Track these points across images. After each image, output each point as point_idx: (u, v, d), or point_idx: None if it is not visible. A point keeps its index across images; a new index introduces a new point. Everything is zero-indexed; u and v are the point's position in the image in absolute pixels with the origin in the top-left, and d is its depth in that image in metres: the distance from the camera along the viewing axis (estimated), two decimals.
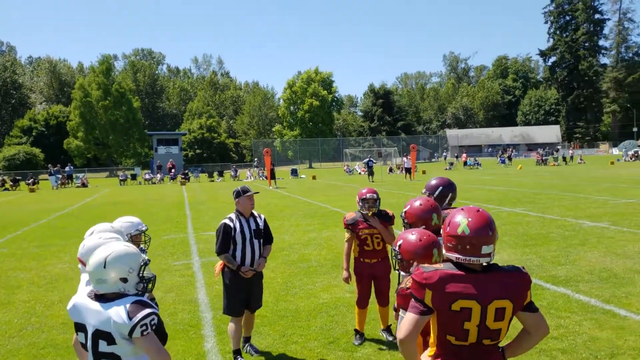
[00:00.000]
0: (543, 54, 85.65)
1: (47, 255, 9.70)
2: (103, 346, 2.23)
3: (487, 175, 31.05)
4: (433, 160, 71.47)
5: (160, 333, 2.30)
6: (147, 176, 38.61)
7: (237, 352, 4.52)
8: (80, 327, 2.32)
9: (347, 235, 4.79)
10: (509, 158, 45.97)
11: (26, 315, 6.07)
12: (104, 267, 2.24)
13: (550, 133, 77.02)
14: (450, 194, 3.78)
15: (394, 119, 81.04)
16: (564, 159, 44.69)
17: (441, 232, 2.27)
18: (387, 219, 4.70)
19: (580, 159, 45.50)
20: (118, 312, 2.17)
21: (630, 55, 78.44)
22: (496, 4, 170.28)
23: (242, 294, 4.45)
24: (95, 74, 59.29)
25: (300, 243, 9.85)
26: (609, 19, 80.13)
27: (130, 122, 59.41)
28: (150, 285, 2.36)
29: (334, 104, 71.72)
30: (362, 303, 4.76)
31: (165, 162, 44.08)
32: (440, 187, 3.78)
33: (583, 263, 7.28)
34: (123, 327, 2.16)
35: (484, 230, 2.09)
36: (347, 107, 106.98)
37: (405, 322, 2.10)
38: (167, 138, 56.25)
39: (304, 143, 65.65)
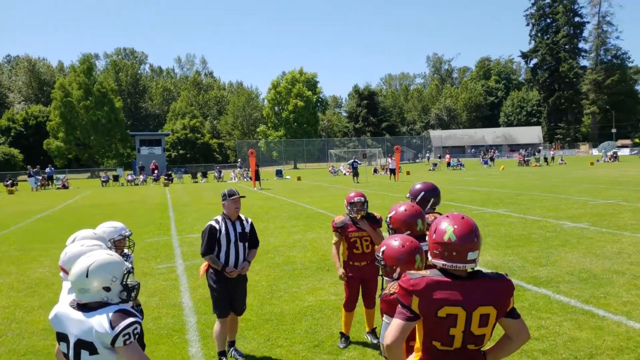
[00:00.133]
0: (525, 56, 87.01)
1: (27, 260, 9.53)
2: (85, 356, 2.20)
3: (470, 176, 31.39)
4: (417, 161, 71.99)
5: (139, 342, 2.28)
6: (129, 177, 38.18)
7: (222, 354, 4.54)
8: (62, 337, 2.29)
9: (335, 238, 4.82)
10: (491, 159, 46.52)
11: (6, 322, 5.96)
12: (87, 276, 2.22)
13: (532, 134, 78.21)
14: (433, 199, 3.82)
15: (379, 119, 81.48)
16: (546, 159, 45.41)
17: (426, 238, 2.30)
18: (375, 222, 4.75)
19: (562, 160, 46.30)
20: (100, 322, 2.15)
21: (609, 57, 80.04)
22: (479, 6, 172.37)
23: (226, 295, 4.49)
24: (76, 73, 58.46)
25: (285, 245, 9.84)
26: (588, 22, 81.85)
27: (112, 122, 58.69)
28: (134, 294, 2.34)
29: (318, 104, 71.85)
30: (349, 306, 4.79)
31: (148, 163, 43.63)
32: (423, 192, 3.82)
33: (564, 264, 7.41)
34: (105, 336, 2.14)
35: (470, 236, 2.13)
36: (331, 107, 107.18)
37: (392, 328, 2.12)
38: (150, 138, 55.67)
39: (288, 144, 65.59)
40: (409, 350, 2.43)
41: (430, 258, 2.22)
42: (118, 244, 3.74)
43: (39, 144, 58.96)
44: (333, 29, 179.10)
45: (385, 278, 2.71)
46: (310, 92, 67.26)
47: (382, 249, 2.68)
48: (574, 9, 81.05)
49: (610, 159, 46.47)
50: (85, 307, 2.23)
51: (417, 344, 2.26)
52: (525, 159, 44.69)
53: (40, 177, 35.44)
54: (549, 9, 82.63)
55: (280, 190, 25.51)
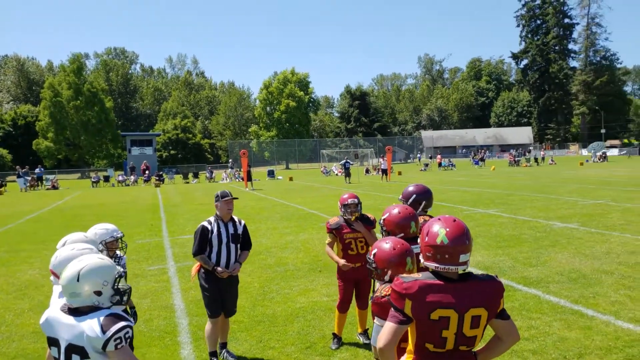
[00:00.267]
0: (515, 57, 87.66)
1: (16, 261, 9.45)
2: None
3: (461, 176, 31.55)
4: (409, 161, 72.22)
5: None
6: (120, 178, 37.94)
7: (213, 355, 4.56)
8: (53, 342, 2.28)
9: (328, 239, 4.83)
10: (482, 159, 46.79)
11: None
12: (78, 280, 2.21)
13: (523, 134, 78.79)
14: (424, 202, 3.85)
15: (370, 120, 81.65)
16: (536, 159, 45.77)
17: (418, 240, 2.32)
18: (369, 223, 4.78)
19: (552, 160, 46.70)
20: (91, 326, 2.14)
21: (598, 59, 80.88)
22: (470, 7, 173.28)
23: (218, 295, 4.53)
24: (66, 73, 57.90)
25: (277, 246, 9.83)
26: (577, 24, 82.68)
27: (102, 122, 58.23)
28: (125, 298, 2.33)
29: (310, 104, 71.86)
30: (343, 307, 4.80)
31: (139, 164, 43.36)
32: (414, 195, 3.85)
33: (553, 264, 7.48)
34: (96, 341, 2.13)
35: (461, 239, 2.16)
36: (323, 108, 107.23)
37: (385, 331, 2.14)
38: (141, 139, 55.32)
39: (280, 144, 65.53)
40: (401, 352, 2.45)
41: (422, 261, 2.24)
42: (110, 245, 3.73)
43: (28, 144, 58.37)
44: (325, 29, 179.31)
45: (376, 281, 2.72)
46: (302, 93, 67.25)
47: (373, 252, 2.70)
48: (563, 10, 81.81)
49: (599, 159, 46.94)
50: (76, 312, 2.22)
51: (410, 346, 2.28)
52: (516, 159, 45.05)
53: (29, 178, 35.11)
54: (539, 10, 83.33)
55: (272, 190, 25.49)
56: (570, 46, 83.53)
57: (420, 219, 3.62)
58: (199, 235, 4.51)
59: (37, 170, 38.06)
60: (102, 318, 2.16)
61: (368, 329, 4.91)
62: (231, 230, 4.57)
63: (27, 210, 19.26)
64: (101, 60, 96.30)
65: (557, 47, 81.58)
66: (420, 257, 2.26)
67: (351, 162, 32.68)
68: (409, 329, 2.20)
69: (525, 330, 4.90)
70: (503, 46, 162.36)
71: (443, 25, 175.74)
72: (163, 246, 10.44)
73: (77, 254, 2.55)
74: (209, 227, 4.52)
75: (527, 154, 53.34)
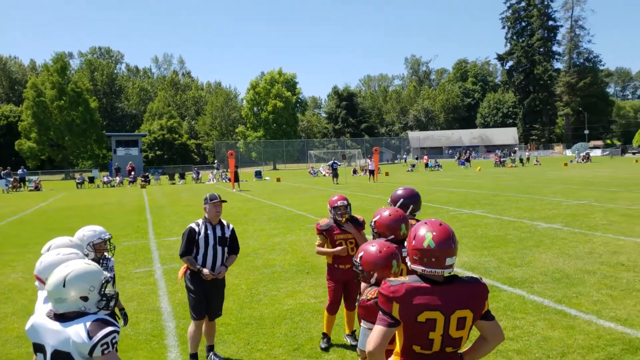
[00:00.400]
0: (501, 58, 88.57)
1: None
2: None
3: (448, 177, 31.80)
4: (396, 161, 72.55)
5: None
6: (105, 179, 37.51)
7: (193, 357, 4.58)
8: (39, 348, 2.26)
9: (318, 240, 4.84)
10: (467, 160, 47.20)
11: None
12: (64, 286, 2.19)
13: (508, 135, 79.66)
14: (412, 206, 3.90)
15: (358, 120, 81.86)
16: (521, 160, 46.32)
17: (405, 244, 2.35)
18: (359, 224, 4.81)
19: (536, 161, 47.30)
20: (78, 332, 2.13)
21: (582, 60, 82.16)
22: (456, 9, 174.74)
23: (203, 297, 4.54)
24: (49, 72, 57.03)
25: (265, 248, 9.83)
26: (561, 26, 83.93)
27: (87, 122, 57.46)
28: (112, 303, 2.32)
29: (297, 105, 71.75)
30: (333, 309, 4.82)
31: (125, 164, 42.96)
32: (402, 199, 3.90)
33: (538, 264, 7.59)
34: (83, 346, 2.12)
35: (447, 243, 2.20)
36: (311, 108, 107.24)
37: (374, 334, 2.17)
38: (127, 139, 54.89)
39: (268, 144, 65.38)
40: (387, 354, 2.48)
41: (409, 264, 2.27)
42: (98, 247, 3.74)
43: (10, 145, 57.47)
44: (312, 29, 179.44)
45: (362, 283, 2.75)
46: (289, 93, 67.14)
47: (360, 255, 2.73)
48: (547, 12, 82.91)
49: (582, 160, 47.66)
50: (62, 317, 2.21)
51: (397, 348, 2.31)
52: (501, 159, 45.50)
53: (11, 179, 34.55)
54: (524, 12, 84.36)
55: (260, 191, 25.43)
56: (555, 48, 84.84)
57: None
58: (186, 237, 4.54)
59: (19, 171, 37.46)
60: (88, 323, 2.15)
61: (355, 330, 4.94)
62: (219, 233, 4.59)
63: (9, 212, 18.96)
64: (86, 60, 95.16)
65: (541, 49, 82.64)
66: (407, 261, 2.30)
67: (339, 163, 32.74)
68: (396, 331, 2.23)
69: (509, 330, 4.97)
70: (489, 48, 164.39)
71: (430, 27, 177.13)
72: (149, 248, 10.36)
73: (63, 259, 2.53)
74: (197, 229, 4.55)
75: (512, 154, 53.94)
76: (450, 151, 78.33)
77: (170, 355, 4.84)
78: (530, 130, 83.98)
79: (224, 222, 4.72)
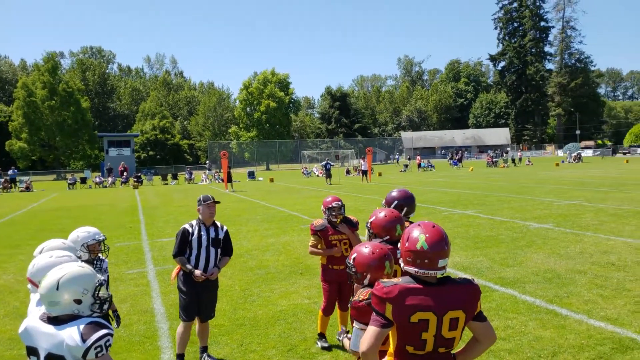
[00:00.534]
0: (493, 59, 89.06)
1: None
2: None
3: (440, 177, 31.92)
4: (389, 162, 72.71)
5: None
6: (97, 179, 37.27)
7: (180, 357, 4.58)
8: (32, 351, 2.25)
9: (312, 241, 4.85)
10: (460, 160, 47.39)
11: None
12: (57, 289, 2.19)
13: (500, 135, 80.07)
14: (406, 208, 3.92)
15: (351, 121, 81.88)
16: (513, 160, 46.58)
17: (398, 245, 2.37)
18: (352, 225, 4.85)
19: (528, 161, 47.60)
20: (71, 335, 2.13)
21: (573, 61, 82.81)
22: (449, 9, 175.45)
23: (193, 298, 4.54)
24: (40, 72, 56.56)
25: (258, 249, 9.82)
26: (553, 27, 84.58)
27: (79, 123, 57.04)
28: (105, 306, 2.32)
29: (291, 105, 71.66)
30: (328, 310, 4.84)
31: (117, 165, 42.74)
32: (396, 200, 3.93)
33: (529, 264, 7.65)
34: (76, 349, 2.12)
35: (440, 245, 2.22)
36: (304, 108, 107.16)
37: (367, 335, 2.19)
38: (119, 140, 54.61)
39: (261, 145, 65.27)
40: (380, 355, 2.50)
41: (402, 265, 2.30)
42: (92, 248, 3.74)
43: (1, 145, 56.97)
44: (305, 30, 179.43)
45: (355, 284, 2.77)
46: (282, 93, 67.04)
47: (353, 256, 2.75)
48: (539, 13, 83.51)
49: (574, 160, 48.00)
50: (55, 320, 2.21)
51: (390, 349, 2.33)
52: (494, 160, 45.73)
53: (2, 180, 34.28)
54: (516, 13, 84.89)
55: (253, 192, 25.39)
56: (546, 49, 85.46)
57: None
58: (179, 237, 4.56)
59: (10, 172, 37.18)
60: (82, 326, 2.15)
61: (349, 331, 4.95)
62: (212, 235, 4.60)
63: (0, 214, 18.80)
64: (77, 60, 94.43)
65: (533, 50, 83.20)
66: (401, 262, 2.32)
67: (332, 163, 32.77)
68: (389, 332, 2.25)
69: (502, 330, 5.01)
70: (481, 48, 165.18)
71: (422, 27, 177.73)
72: (142, 249, 10.32)
73: (56, 262, 2.52)
74: (190, 230, 4.56)
75: (504, 154, 54.23)
76: (443, 151, 78.60)
77: (163, 357, 4.83)
78: (522, 130, 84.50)
79: (218, 223, 4.73)
